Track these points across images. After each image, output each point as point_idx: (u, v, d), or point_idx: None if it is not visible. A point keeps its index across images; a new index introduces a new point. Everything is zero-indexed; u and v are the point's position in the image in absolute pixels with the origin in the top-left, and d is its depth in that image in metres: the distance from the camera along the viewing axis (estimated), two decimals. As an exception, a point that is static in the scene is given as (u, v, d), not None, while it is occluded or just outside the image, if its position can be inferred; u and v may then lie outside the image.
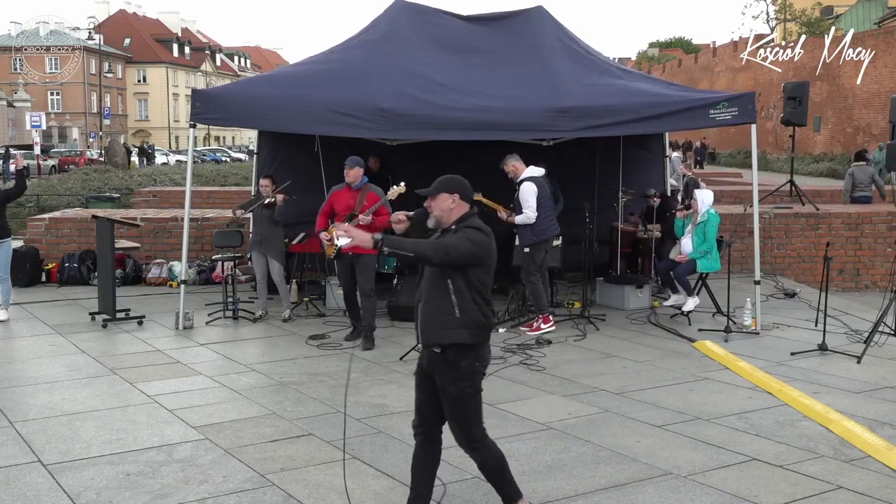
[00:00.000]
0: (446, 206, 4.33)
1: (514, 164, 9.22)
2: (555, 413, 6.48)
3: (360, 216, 8.40)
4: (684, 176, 15.36)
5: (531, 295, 9.32)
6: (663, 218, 11.08)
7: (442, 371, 4.28)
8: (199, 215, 13.12)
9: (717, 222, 9.75)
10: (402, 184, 8.65)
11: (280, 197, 9.48)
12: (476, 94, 9.40)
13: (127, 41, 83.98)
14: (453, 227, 4.31)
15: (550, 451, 5.70)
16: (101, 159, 42.58)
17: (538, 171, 9.21)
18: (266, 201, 9.52)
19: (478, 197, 9.40)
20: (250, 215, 9.86)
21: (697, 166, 40.68)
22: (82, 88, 73.85)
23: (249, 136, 69.69)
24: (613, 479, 5.23)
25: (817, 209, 13.61)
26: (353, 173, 8.58)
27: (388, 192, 8.60)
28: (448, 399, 4.30)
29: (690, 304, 9.64)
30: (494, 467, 4.38)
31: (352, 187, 8.61)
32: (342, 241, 8.50)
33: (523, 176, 9.12)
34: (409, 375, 7.46)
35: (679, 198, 12.43)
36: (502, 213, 9.27)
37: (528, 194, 8.97)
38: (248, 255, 10.21)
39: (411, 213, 5.08)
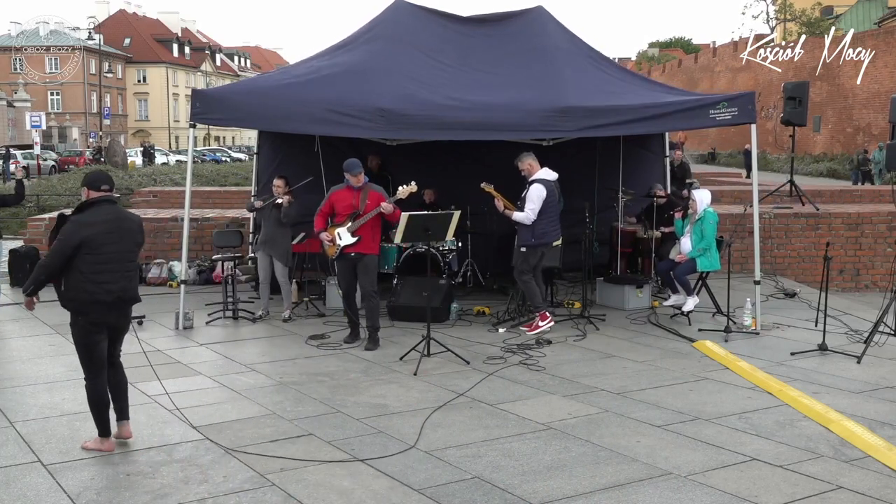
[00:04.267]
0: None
1: (529, 163, 9.24)
2: (555, 413, 6.48)
3: (384, 204, 8.37)
4: (681, 163, 15.36)
5: (525, 294, 9.33)
6: (662, 219, 11.07)
7: None
8: (199, 215, 13.12)
9: (715, 220, 9.75)
10: (413, 183, 8.68)
11: (286, 199, 9.47)
12: (476, 94, 9.39)
13: (127, 41, 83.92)
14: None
15: (550, 451, 5.70)
16: (101, 158, 42.54)
17: (551, 175, 9.21)
18: (276, 201, 9.55)
19: (488, 188, 9.45)
20: (251, 216, 9.83)
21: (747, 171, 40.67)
22: (82, 88, 73.80)
23: (249, 136, 69.66)
24: (613, 479, 5.23)
25: (817, 209, 13.61)
26: (361, 178, 8.57)
27: (399, 192, 8.63)
28: None
29: (690, 303, 9.64)
30: (89, 402, 5.62)
31: (353, 187, 8.62)
32: (344, 241, 8.54)
33: (535, 177, 9.13)
34: (410, 375, 7.52)
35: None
36: (499, 203, 9.25)
37: (535, 196, 8.97)
38: (251, 255, 10.18)
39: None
